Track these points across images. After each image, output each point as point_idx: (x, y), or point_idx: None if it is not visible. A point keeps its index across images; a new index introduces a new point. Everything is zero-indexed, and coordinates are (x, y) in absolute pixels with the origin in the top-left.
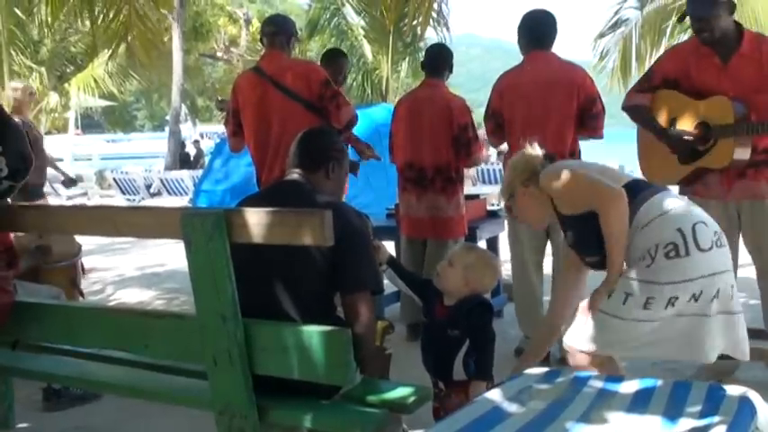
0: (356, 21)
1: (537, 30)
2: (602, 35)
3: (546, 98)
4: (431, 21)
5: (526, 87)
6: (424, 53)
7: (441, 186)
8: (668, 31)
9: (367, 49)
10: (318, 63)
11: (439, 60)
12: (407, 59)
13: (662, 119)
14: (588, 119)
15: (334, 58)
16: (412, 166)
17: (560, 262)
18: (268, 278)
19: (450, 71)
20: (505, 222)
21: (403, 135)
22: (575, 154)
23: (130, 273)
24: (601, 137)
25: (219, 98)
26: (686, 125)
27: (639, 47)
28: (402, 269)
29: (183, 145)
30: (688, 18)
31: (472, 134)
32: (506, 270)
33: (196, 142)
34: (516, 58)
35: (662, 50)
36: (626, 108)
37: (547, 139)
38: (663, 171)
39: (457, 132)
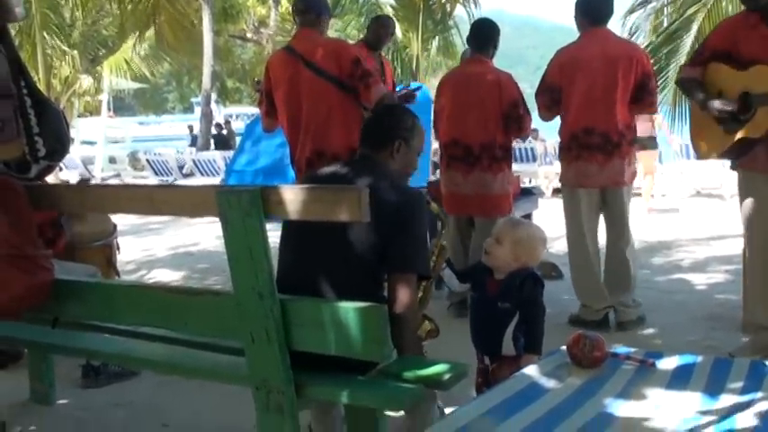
0: None
1: (595, 7)
2: (632, 10)
3: (606, 73)
4: None
5: (587, 62)
6: (456, 30)
7: (487, 164)
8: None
9: (397, 28)
10: (348, 42)
11: (484, 35)
12: (437, 38)
13: (712, 91)
14: (646, 94)
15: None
16: (457, 143)
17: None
18: (316, 256)
19: (495, 47)
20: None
21: (448, 112)
22: (631, 127)
23: (163, 253)
24: (655, 112)
25: (256, 79)
26: (731, 95)
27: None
28: (452, 266)
29: (219, 126)
30: None
31: (523, 110)
32: None
33: (227, 123)
34: (546, 35)
35: (695, 26)
36: (678, 81)
37: (605, 113)
38: (710, 141)
39: (507, 108)
